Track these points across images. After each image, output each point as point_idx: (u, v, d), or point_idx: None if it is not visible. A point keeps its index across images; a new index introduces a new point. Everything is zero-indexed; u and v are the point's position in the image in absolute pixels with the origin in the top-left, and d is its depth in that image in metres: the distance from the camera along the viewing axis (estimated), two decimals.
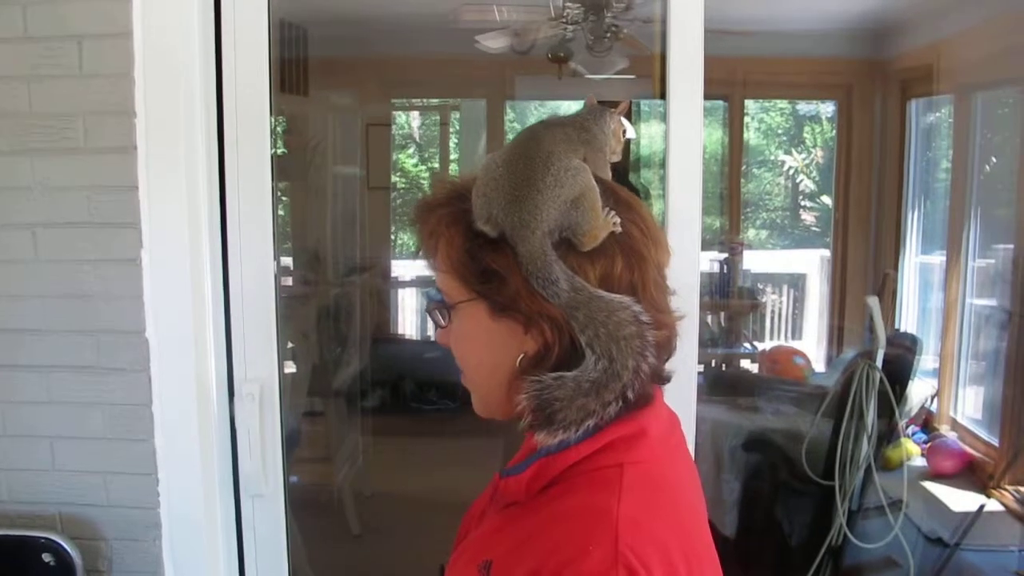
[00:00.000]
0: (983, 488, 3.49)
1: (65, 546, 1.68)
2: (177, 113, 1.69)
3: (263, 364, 1.83)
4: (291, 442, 2.90)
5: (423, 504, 3.55)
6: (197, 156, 1.72)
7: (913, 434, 3.97)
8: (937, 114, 4.78)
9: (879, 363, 2.55)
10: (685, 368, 1.76)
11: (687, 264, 1.74)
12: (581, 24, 3.62)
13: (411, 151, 7.88)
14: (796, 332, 6.57)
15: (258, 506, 1.86)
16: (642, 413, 0.92)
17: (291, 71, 3.93)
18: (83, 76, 1.66)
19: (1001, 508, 3.31)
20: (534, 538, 0.84)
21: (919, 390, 3.94)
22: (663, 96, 1.77)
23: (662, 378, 0.95)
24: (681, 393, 1.71)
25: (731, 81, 5.11)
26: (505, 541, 0.88)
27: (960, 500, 3.37)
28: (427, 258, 0.97)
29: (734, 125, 5.55)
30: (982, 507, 3.09)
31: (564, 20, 3.61)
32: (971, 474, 3.72)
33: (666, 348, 0.94)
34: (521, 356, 0.91)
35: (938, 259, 4.57)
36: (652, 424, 0.92)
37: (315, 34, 4.05)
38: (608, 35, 3.60)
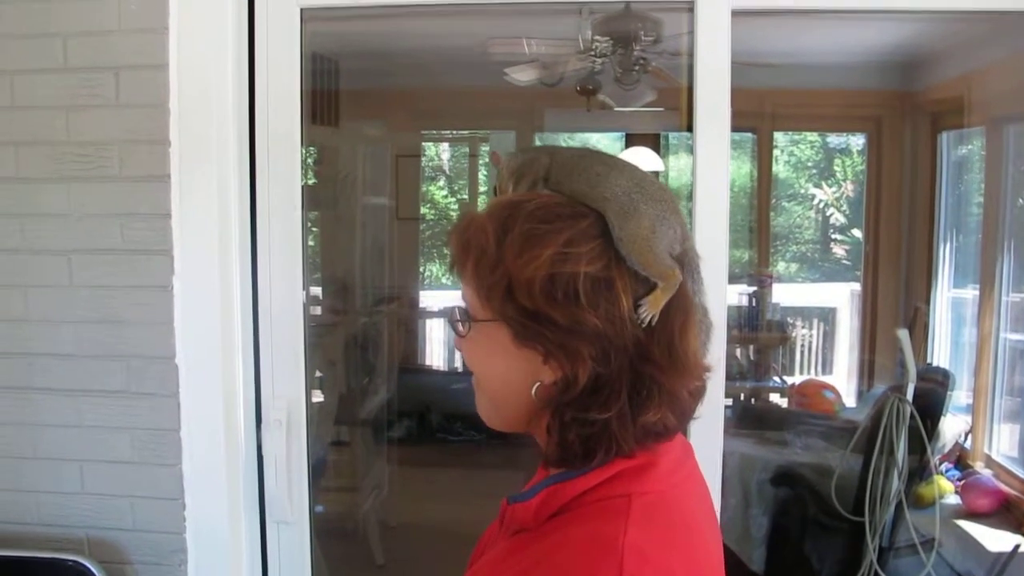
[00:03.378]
0: (1019, 527, 3.41)
1: (92, 569, 1.70)
2: (210, 143, 1.72)
3: (291, 391, 1.84)
4: (318, 471, 2.91)
5: (448, 535, 3.52)
6: (229, 185, 1.75)
7: (947, 471, 3.89)
8: (968, 147, 4.74)
9: (910, 397, 2.52)
10: (712, 402, 1.74)
11: (714, 297, 1.73)
12: (609, 57, 3.64)
13: (440, 183, 7.93)
14: (826, 366, 6.50)
15: (283, 533, 1.86)
16: (653, 444, 0.91)
17: (322, 103, 3.98)
18: (120, 106, 1.70)
19: None
20: (540, 565, 0.84)
21: (952, 426, 3.87)
22: (690, 129, 1.77)
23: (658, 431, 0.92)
24: (708, 427, 1.69)
25: (759, 113, 5.11)
26: (513, 567, 0.87)
27: (996, 539, 3.29)
28: (458, 265, 0.95)
29: (762, 157, 5.54)
30: (1017, 547, 3.02)
31: (593, 53, 3.63)
32: (1007, 513, 3.64)
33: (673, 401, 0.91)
34: (537, 384, 0.91)
35: (971, 293, 4.51)
36: (662, 454, 0.92)
37: (346, 66, 4.10)
38: (636, 68, 3.61)
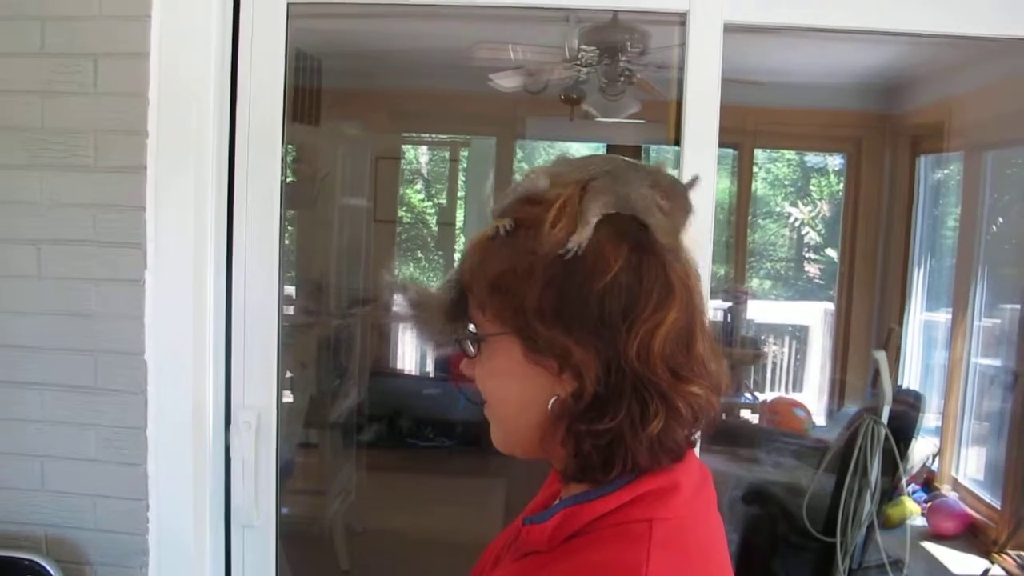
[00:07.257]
0: (985, 551, 3.43)
1: (50, 569, 1.65)
2: (189, 136, 1.68)
3: (262, 393, 1.80)
4: (285, 473, 2.87)
5: (414, 542, 3.50)
6: (206, 179, 1.71)
7: (913, 493, 3.92)
8: (946, 171, 4.78)
9: (885, 419, 2.52)
10: None
11: None
12: (595, 67, 3.63)
13: (419, 186, 7.89)
14: (797, 384, 6.53)
15: (248, 537, 1.83)
16: (675, 467, 0.88)
17: (303, 101, 3.93)
18: (97, 94, 1.66)
19: (1003, 574, 3.26)
20: None
21: (921, 448, 3.89)
22: (677, 142, 1.76)
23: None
24: None
25: (742, 130, 5.12)
26: None
27: (961, 563, 3.31)
28: (467, 280, 0.91)
29: (743, 174, 5.56)
30: (987, 571, 3.04)
31: (578, 62, 3.62)
32: (972, 536, 3.67)
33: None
34: (554, 399, 0.86)
35: (943, 317, 4.55)
36: (685, 478, 0.88)
37: (329, 65, 4.06)
38: (622, 79, 3.61)
